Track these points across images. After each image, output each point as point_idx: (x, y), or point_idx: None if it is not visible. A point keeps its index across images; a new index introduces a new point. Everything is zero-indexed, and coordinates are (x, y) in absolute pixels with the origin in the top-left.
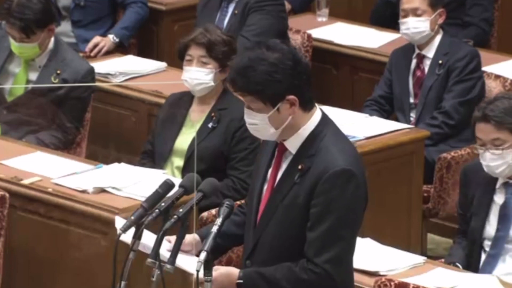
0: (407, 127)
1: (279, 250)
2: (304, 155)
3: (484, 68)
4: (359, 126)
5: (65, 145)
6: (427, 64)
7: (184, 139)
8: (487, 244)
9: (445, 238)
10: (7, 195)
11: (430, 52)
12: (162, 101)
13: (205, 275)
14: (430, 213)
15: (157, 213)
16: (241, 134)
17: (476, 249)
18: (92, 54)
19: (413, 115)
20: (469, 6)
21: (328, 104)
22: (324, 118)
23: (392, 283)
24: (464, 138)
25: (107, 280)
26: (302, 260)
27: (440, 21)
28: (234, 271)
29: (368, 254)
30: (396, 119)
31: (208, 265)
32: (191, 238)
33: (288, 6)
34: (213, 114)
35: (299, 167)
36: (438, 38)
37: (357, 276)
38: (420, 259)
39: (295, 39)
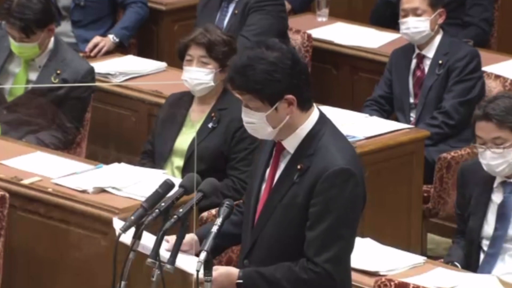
0: (407, 127)
1: (277, 250)
2: (303, 154)
3: (484, 68)
4: (359, 126)
5: (65, 145)
6: (427, 64)
7: (184, 139)
8: (485, 243)
9: (445, 238)
10: (7, 195)
11: (430, 52)
12: (162, 101)
13: (205, 275)
14: (430, 213)
15: (157, 213)
16: (241, 134)
17: (474, 249)
18: (92, 54)
19: (413, 115)
20: (469, 6)
21: (328, 104)
22: (322, 117)
23: (392, 283)
24: (464, 138)
25: (107, 280)
26: (301, 259)
27: (440, 21)
28: (234, 271)
29: (368, 254)
30: (396, 119)
31: (208, 265)
32: (189, 238)
33: (288, 6)
34: (213, 114)
35: (298, 166)
36: (438, 38)
37: (357, 276)
38: (420, 259)
39: (295, 39)
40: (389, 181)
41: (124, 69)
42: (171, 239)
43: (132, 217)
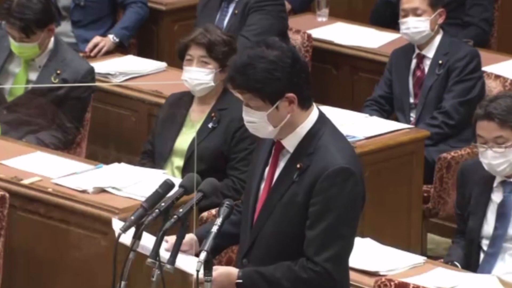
0: (407, 127)
1: (276, 249)
2: (303, 153)
3: (484, 68)
4: (359, 126)
5: (65, 145)
6: (427, 64)
7: (184, 139)
8: (485, 243)
9: (445, 238)
10: (7, 195)
11: (430, 52)
12: (162, 101)
13: (205, 275)
14: (430, 213)
15: (157, 213)
16: (241, 134)
17: (474, 249)
18: (92, 54)
19: (413, 115)
20: (469, 6)
21: (328, 104)
22: (322, 116)
23: (392, 283)
24: (464, 138)
25: (107, 280)
26: (301, 258)
27: (440, 21)
28: (234, 271)
29: (368, 254)
30: (396, 119)
31: (208, 265)
32: (188, 238)
33: (288, 6)
34: (213, 114)
35: (298, 165)
36: (438, 38)
37: (357, 276)
38: (420, 259)
39: (295, 39)
40: (389, 181)
41: (124, 69)
42: (170, 239)
43: (132, 217)
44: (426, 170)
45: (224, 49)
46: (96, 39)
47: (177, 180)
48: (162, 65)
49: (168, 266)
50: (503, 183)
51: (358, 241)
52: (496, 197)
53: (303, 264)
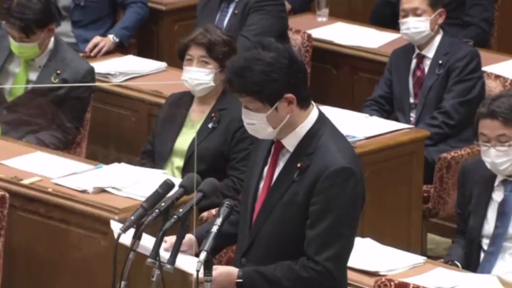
0: (407, 127)
1: (276, 248)
2: (303, 153)
3: (484, 68)
4: (359, 126)
5: (65, 145)
6: (427, 64)
7: (184, 139)
8: (485, 242)
9: (445, 238)
10: (7, 195)
11: (430, 52)
12: (162, 101)
13: (205, 275)
14: (430, 213)
15: (157, 213)
16: (241, 134)
17: (474, 248)
18: (92, 54)
19: (413, 115)
20: (469, 6)
21: (328, 104)
22: (321, 116)
23: (392, 283)
24: (464, 138)
25: (107, 280)
26: (302, 258)
27: (440, 21)
28: (234, 270)
29: (368, 254)
30: (396, 119)
31: (208, 265)
32: (187, 238)
33: (288, 6)
34: (213, 114)
35: (298, 165)
36: (438, 38)
37: (357, 276)
38: (420, 259)
39: (295, 39)
40: (389, 181)
41: (124, 69)
42: (170, 239)
43: (132, 217)
44: (426, 170)
45: (224, 49)
46: (96, 39)
47: (177, 180)
48: (162, 65)
49: (168, 266)
50: (504, 182)
51: (358, 241)
52: (497, 196)
53: (303, 263)
